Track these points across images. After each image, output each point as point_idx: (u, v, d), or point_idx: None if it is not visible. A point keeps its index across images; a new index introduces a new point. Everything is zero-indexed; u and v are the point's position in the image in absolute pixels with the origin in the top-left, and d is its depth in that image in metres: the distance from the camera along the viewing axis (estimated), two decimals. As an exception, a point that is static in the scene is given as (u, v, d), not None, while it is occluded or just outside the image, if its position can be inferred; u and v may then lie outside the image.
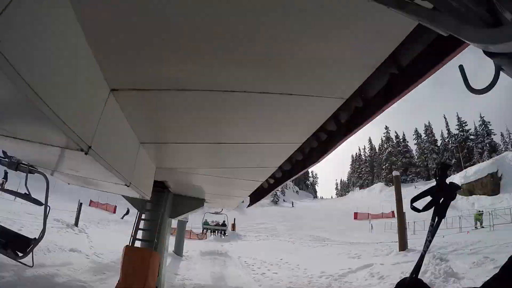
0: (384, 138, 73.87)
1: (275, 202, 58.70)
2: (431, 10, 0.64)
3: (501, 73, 0.70)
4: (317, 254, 16.77)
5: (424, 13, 0.65)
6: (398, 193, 15.26)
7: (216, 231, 26.01)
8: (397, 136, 71.33)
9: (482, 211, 24.14)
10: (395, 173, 14.47)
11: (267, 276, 11.90)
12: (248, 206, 8.51)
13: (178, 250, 16.24)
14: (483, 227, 21.05)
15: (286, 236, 28.01)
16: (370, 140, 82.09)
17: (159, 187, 7.41)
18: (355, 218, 41.20)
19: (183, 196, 8.84)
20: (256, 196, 7.99)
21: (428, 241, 1.22)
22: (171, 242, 15.92)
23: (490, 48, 0.60)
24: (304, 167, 4.32)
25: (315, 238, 25.72)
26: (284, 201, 63.30)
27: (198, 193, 8.59)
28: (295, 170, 4.67)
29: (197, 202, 9.15)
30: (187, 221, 18.67)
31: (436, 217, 1.28)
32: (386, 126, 72.79)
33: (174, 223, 18.27)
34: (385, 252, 13.91)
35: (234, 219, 31.90)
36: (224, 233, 25.02)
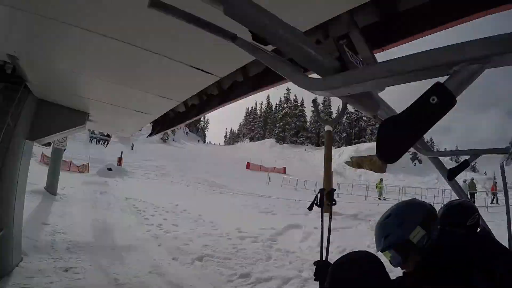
0: (283, 99, 75.47)
1: (164, 140, 55.55)
2: (275, 56, 0.79)
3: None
4: (218, 203, 14.82)
5: (268, 59, 0.79)
6: (329, 148, 14.10)
7: (101, 141, 29.67)
8: (295, 100, 73.75)
9: (382, 179, 25.65)
10: (327, 128, 12.83)
11: (167, 230, 9.15)
12: (149, 136, 6.98)
13: (52, 187, 11.94)
14: (385, 199, 21.72)
15: (177, 177, 25.69)
16: (268, 98, 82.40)
17: (7, 80, 4.08)
18: (248, 168, 41.60)
19: (54, 104, 5.31)
20: (159, 126, 6.10)
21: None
22: (41, 174, 11.24)
23: (319, 93, 0.73)
24: (220, 103, 3.65)
25: (210, 184, 23.98)
26: (173, 140, 60.42)
27: (79, 103, 5.17)
28: (207, 106, 3.99)
29: (76, 117, 5.70)
30: (65, 150, 13.86)
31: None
32: (288, 88, 73.90)
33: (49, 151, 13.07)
34: (302, 211, 12.26)
35: (121, 152, 29.24)
36: (107, 143, 27.63)
